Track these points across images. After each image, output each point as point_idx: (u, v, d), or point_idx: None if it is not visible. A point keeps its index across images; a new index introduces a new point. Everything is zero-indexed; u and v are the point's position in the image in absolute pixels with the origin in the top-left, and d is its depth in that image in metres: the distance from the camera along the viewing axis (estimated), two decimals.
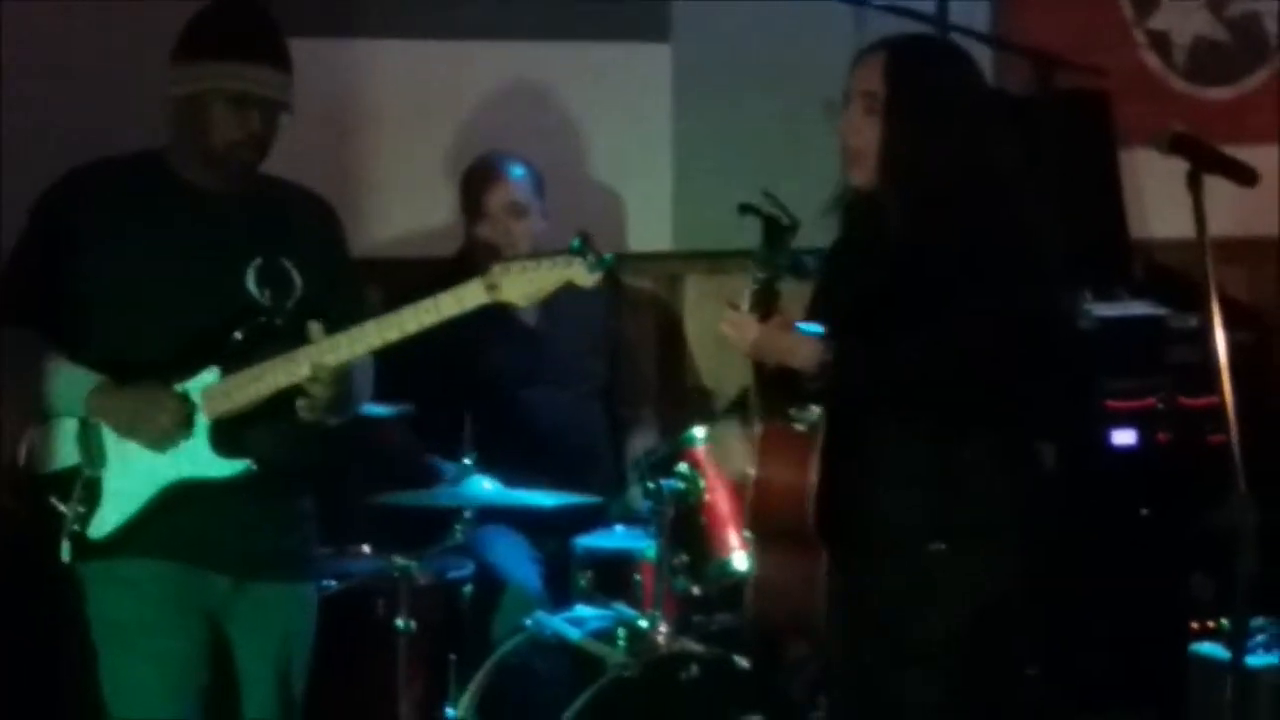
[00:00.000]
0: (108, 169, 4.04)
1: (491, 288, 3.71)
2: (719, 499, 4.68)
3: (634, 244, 6.03)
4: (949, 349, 3.63)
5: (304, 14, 5.50)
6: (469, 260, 5.49)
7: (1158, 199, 6.40)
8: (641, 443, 5.47)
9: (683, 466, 4.60)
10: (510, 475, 4.82)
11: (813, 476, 3.67)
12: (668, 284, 6.10)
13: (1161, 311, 5.88)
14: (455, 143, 5.78)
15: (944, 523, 3.71)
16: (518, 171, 5.49)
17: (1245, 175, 3.79)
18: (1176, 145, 3.77)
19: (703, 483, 4.65)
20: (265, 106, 3.93)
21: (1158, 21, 6.51)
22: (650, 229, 6.05)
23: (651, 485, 4.59)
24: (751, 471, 3.73)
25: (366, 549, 4.89)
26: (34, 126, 5.22)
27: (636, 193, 6.02)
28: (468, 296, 3.74)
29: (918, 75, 3.78)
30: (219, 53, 3.91)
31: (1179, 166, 6.04)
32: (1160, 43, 6.51)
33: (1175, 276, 6.22)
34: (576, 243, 3.69)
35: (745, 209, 3.72)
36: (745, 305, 3.69)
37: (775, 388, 3.74)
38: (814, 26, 6.03)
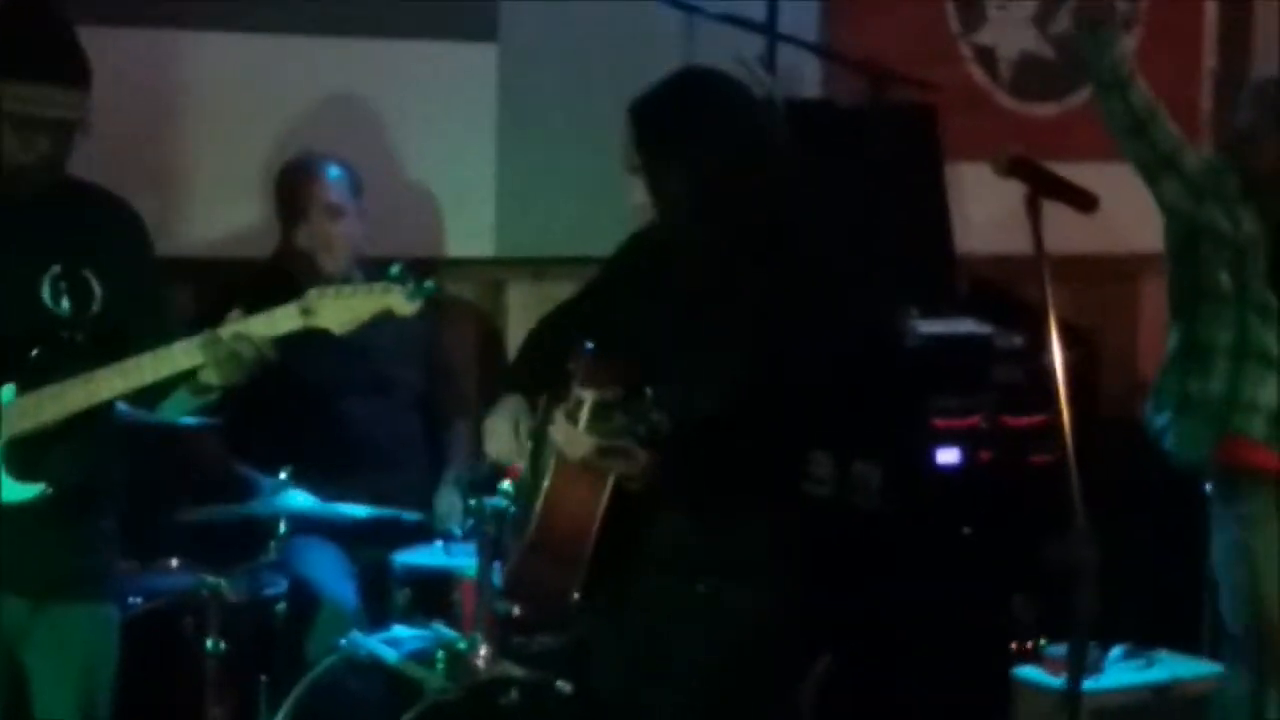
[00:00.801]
0: None
1: (306, 313, 3.60)
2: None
3: (455, 249, 5.90)
4: (781, 424, 3.56)
5: (122, 2, 5.36)
6: (284, 263, 5.35)
7: (980, 214, 6.39)
8: (458, 455, 5.35)
9: (505, 483, 4.47)
10: (326, 486, 4.70)
11: (602, 505, 3.59)
12: (490, 291, 5.98)
13: (987, 330, 5.85)
14: (274, 141, 5.60)
15: (711, 562, 3.68)
16: (334, 172, 5.35)
17: (1084, 201, 3.75)
18: (1014, 168, 3.73)
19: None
20: (55, 127, 3.73)
21: (984, 36, 6.50)
22: (472, 234, 5.92)
23: (473, 503, 4.46)
24: (545, 480, 3.62)
25: (174, 563, 4.71)
26: None
27: (459, 196, 5.89)
28: (281, 322, 3.63)
29: (666, 137, 3.69)
30: (2, 71, 3.69)
31: (1002, 183, 6.04)
32: (986, 58, 6.51)
33: (998, 293, 6.21)
34: (395, 269, 3.59)
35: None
36: (582, 424, 3.55)
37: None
38: (643, 29, 5.93)
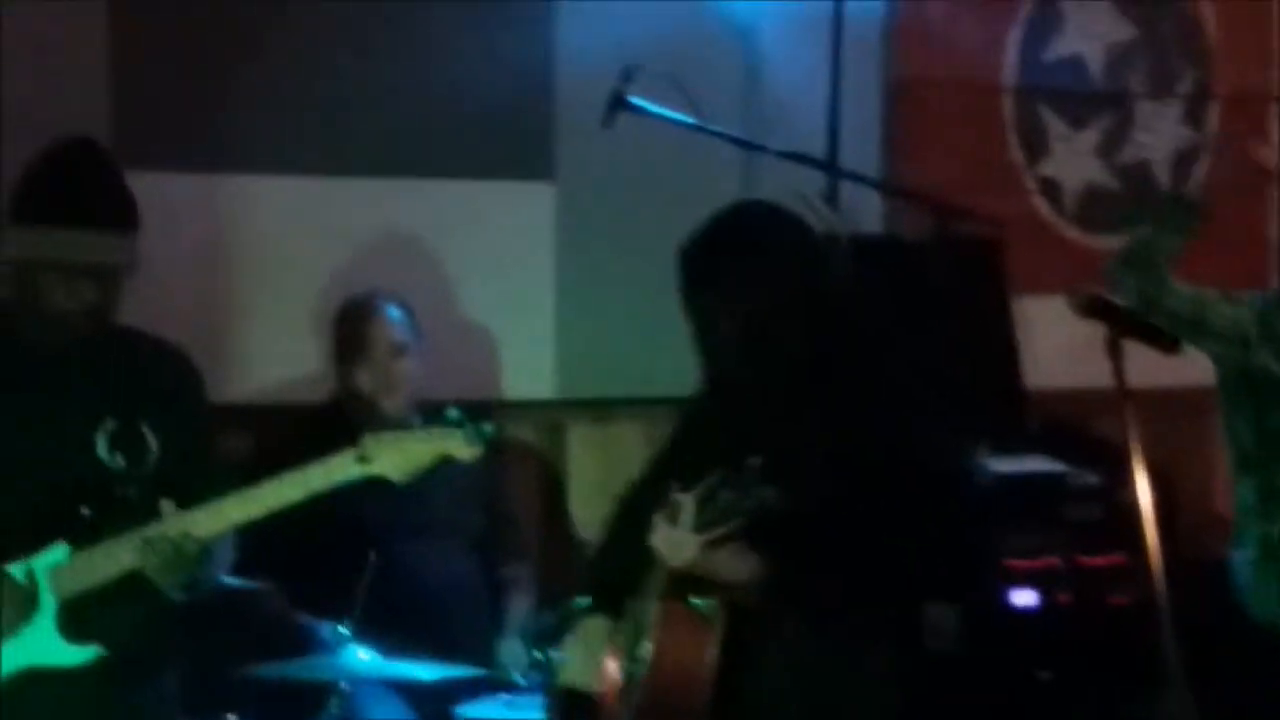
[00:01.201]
0: None
1: (363, 460, 3.51)
2: (611, 669, 4.40)
3: (513, 391, 5.79)
4: (878, 551, 3.42)
5: (172, 147, 5.30)
6: (342, 407, 5.25)
7: (1047, 349, 6.26)
8: (520, 603, 5.22)
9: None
10: (384, 634, 4.54)
11: (710, 658, 3.43)
12: (549, 434, 5.86)
13: (1061, 468, 5.71)
14: (329, 284, 5.52)
15: (831, 709, 3.51)
16: (395, 312, 5.26)
17: (1166, 344, 3.64)
18: (1093, 309, 3.62)
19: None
20: (100, 274, 3.64)
21: (1048, 168, 6.41)
22: (531, 375, 5.81)
23: (540, 656, 4.31)
24: (648, 648, 3.47)
25: (231, 718, 4.56)
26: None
27: (517, 337, 5.79)
28: (337, 470, 3.54)
29: (715, 277, 3.63)
30: (45, 216, 3.61)
31: (1069, 316, 5.89)
32: (1051, 189, 6.41)
33: (1068, 429, 6.08)
34: (454, 413, 3.50)
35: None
36: (686, 523, 3.42)
37: (685, 580, 3.49)
38: (702, 165, 5.85)
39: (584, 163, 5.79)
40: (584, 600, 4.48)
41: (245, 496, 3.52)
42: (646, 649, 3.47)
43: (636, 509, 3.75)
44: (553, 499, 5.82)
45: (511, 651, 5.04)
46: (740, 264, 3.59)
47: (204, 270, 5.42)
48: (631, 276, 5.79)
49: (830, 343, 3.55)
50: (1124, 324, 3.55)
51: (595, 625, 3.65)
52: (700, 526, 3.39)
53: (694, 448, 3.69)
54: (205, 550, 3.55)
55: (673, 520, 3.43)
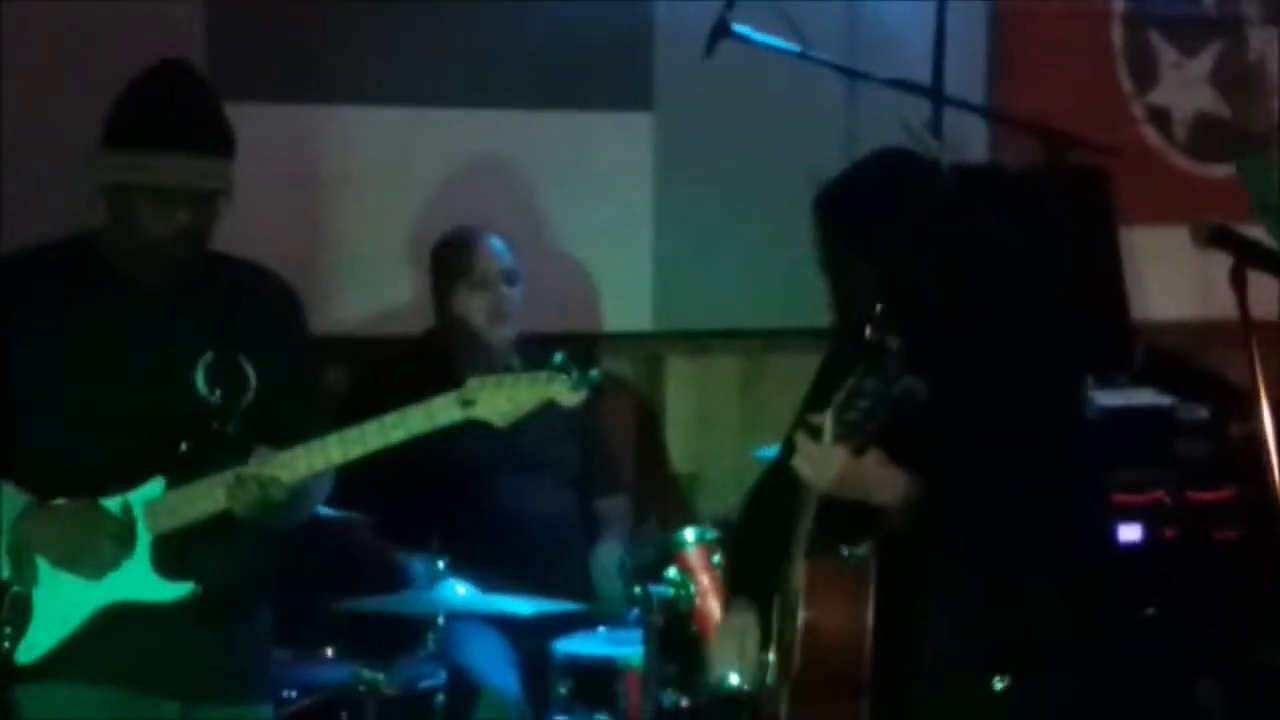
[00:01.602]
0: (37, 259, 3.70)
1: (466, 404, 3.45)
2: (711, 605, 4.35)
3: (611, 323, 5.73)
4: (1033, 474, 3.30)
5: (267, 78, 5.25)
6: (439, 340, 5.20)
7: (1155, 280, 6.14)
8: (616, 537, 5.17)
9: (672, 571, 4.28)
10: (481, 569, 4.52)
11: (869, 618, 3.30)
12: (647, 366, 5.79)
13: (1169, 401, 5.60)
14: (424, 216, 5.48)
15: (1007, 654, 3.37)
16: (498, 243, 5.22)
17: None
18: (1216, 239, 3.51)
19: (694, 588, 4.33)
20: (194, 198, 3.57)
21: (1158, 96, 6.26)
22: (629, 307, 5.74)
23: (639, 591, 4.26)
24: (800, 614, 3.35)
25: (329, 653, 4.55)
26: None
27: (615, 269, 5.72)
28: (439, 413, 3.47)
29: (857, 230, 3.46)
30: (139, 140, 3.55)
31: (1177, 247, 5.76)
32: (1160, 118, 6.26)
33: (1176, 362, 5.96)
34: (559, 358, 3.44)
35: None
36: (828, 436, 3.24)
37: (833, 520, 3.37)
38: (802, 95, 5.77)
39: (683, 93, 5.70)
40: (684, 533, 4.45)
41: (345, 437, 3.47)
42: (800, 617, 3.35)
43: (776, 484, 3.61)
44: (650, 433, 5.76)
45: (608, 585, 4.99)
46: (886, 216, 3.44)
47: (299, 201, 5.39)
48: (731, 208, 5.73)
49: (967, 291, 3.42)
50: (1250, 254, 3.42)
51: (744, 618, 3.51)
52: (843, 433, 3.20)
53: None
54: (293, 493, 3.50)
55: (815, 436, 3.25)
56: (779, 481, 3.56)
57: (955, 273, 3.37)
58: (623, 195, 5.70)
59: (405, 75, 5.45)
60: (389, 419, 3.47)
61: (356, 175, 5.45)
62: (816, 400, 3.54)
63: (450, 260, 5.23)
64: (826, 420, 3.22)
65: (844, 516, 3.31)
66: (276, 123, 5.25)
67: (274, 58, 5.26)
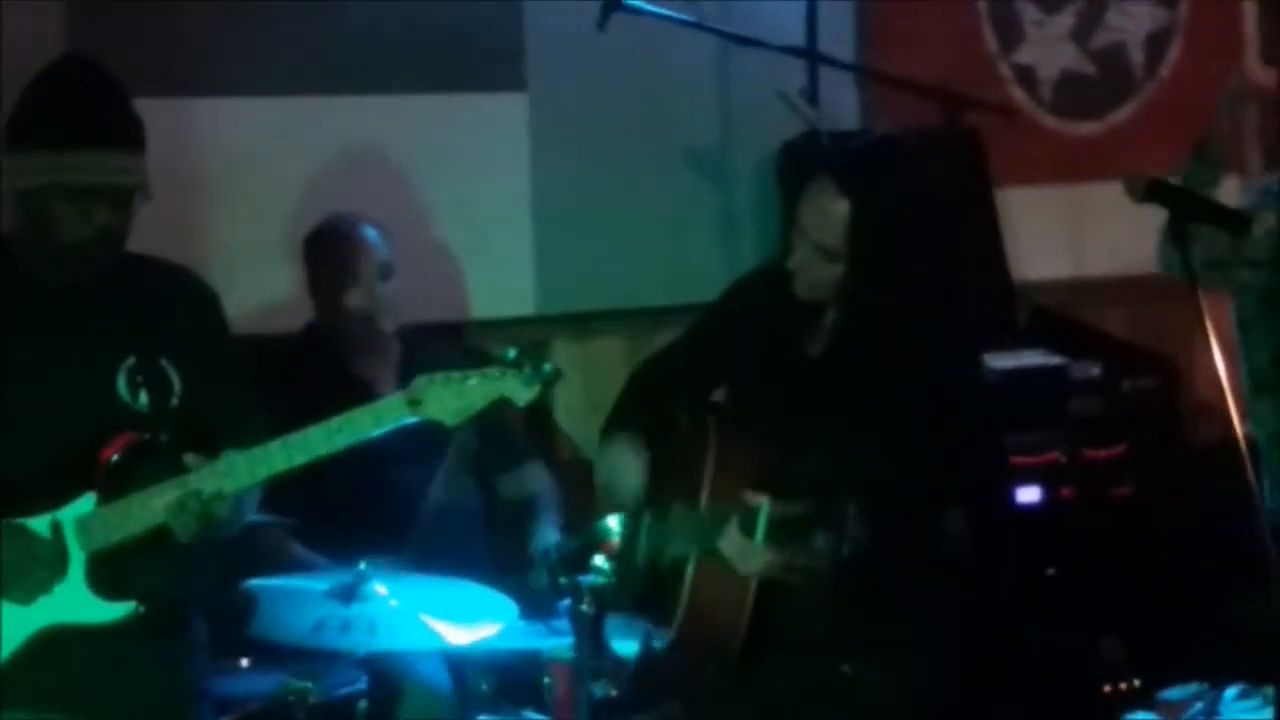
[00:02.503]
0: None
1: (414, 404, 3.34)
2: None
3: (493, 308, 5.61)
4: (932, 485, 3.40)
5: (132, 71, 5.01)
6: (323, 333, 5.05)
7: (1028, 241, 6.15)
8: (548, 511, 5.06)
9: (599, 559, 4.17)
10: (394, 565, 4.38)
11: (751, 591, 3.42)
12: (532, 352, 5.66)
13: (1059, 360, 5.60)
14: (299, 208, 5.31)
15: (854, 639, 3.47)
16: (372, 233, 5.08)
17: (1235, 221, 3.49)
18: (1152, 193, 3.47)
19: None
20: (114, 195, 3.43)
21: (1023, 55, 6.26)
22: (510, 292, 5.62)
23: (565, 580, 4.16)
24: (688, 570, 3.43)
25: (244, 663, 4.39)
26: None
27: (494, 253, 5.60)
28: (387, 414, 3.37)
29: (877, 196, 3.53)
30: (52, 139, 3.40)
31: (1051, 206, 5.75)
32: (1027, 77, 6.26)
33: (1059, 321, 5.97)
34: (512, 353, 3.34)
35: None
36: (759, 534, 3.36)
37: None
38: (675, 70, 5.71)
39: (556, 72, 5.60)
40: (607, 521, 4.35)
41: (288, 443, 3.33)
42: (689, 571, 3.39)
43: (664, 374, 3.78)
44: (539, 418, 5.64)
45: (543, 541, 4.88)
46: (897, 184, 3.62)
47: (167, 197, 5.11)
48: (609, 186, 5.65)
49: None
50: (1188, 207, 3.39)
51: (629, 438, 3.63)
52: (774, 545, 3.36)
53: (743, 338, 3.61)
54: (235, 505, 3.36)
55: (747, 531, 3.37)
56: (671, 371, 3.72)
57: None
58: (500, 178, 5.58)
59: (273, 65, 5.29)
60: (334, 423, 3.35)
61: (227, 169, 5.29)
62: (712, 346, 3.58)
63: (324, 254, 5.09)
64: (761, 518, 3.34)
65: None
66: (143, 117, 5.05)
67: (138, 51, 5.04)
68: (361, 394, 4.31)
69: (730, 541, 3.41)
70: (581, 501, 5.31)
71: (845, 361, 3.48)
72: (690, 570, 3.50)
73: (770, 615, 3.50)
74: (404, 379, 4.59)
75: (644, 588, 3.76)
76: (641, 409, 3.74)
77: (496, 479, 5.16)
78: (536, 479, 5.17)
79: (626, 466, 3.63)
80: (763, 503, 3.36)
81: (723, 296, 3.80)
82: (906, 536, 3.32)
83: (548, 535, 4.89)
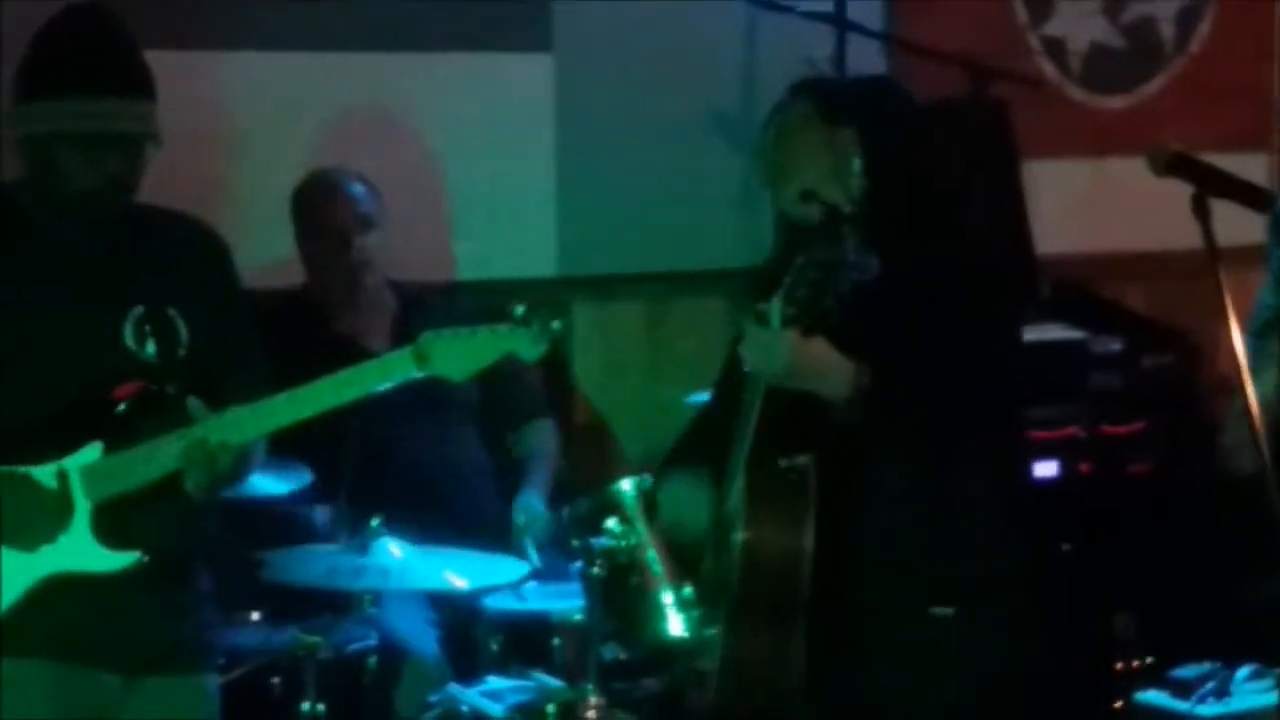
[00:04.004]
0: None
1: (421, 359, 3.30)
2: (651, 556, 4.25)
3: (515, 269, 5.58)
4: (977, 366, 3.31)
5: (150, 23, 4.98)
6: (310, 292, 5.04)
7: (1051, 214, 6.11)
8: (541, 457, 5.05)
9: (611, 522, 4.16)
10: (395, 520, 4.34)
11: (809, 538, 3.24)
12: (553, 314, 5.64)
13: (1080, 334, 5.57)
14: (319, 164, 5.27)
15: (951, 581, 3.31)
16: (357, 188, 5.06)
17: (1257, 197, 3.46)
18: (1175, 167, 3.43)
19: (635, 539, 4.22)
20: (124, 143, 3.42)
21: (1053, 28, 6.22)
22: (532, 253, 5.60)
23: (578, 543, 4.15)
24: (739, 535, 3.28)
25: (255, 617, 4.40)
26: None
27: (517, 214, 5.58)
28: (395, 368, 3.34)
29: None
30: (60, 87, 3.38)
31: (1075, 179, 5.70)
32: (1056, 50, 6.22)
33: (1083, 295, 5.95)
34: (520, 310, 3.29)
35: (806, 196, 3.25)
36: (776, 319, 3.17)
37: (774, 434, 3.28)
38: (701, 34, 5.68)
39: (582, 33, 5.57)
40: (621, 483, 4.34)
41: (295, 397, 3.32)
42: (738, 538, 3.28)
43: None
44: (557, 383, 5.63)
45: (528, 509, 4.84)
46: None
47: (184, 152, 5.06)
48: (633, 149, 5.62)
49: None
50: (1210, 181, 3.36)
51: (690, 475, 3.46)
52: (794, 313, 3.14)
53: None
54: (241, 456, 3.35)
55: (762, 321, 3.19)
56: (713, 422, 3.52)
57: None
58: (524, 139, 5.56)
59: (297, 19, 5.27)
60: (342, 376, 3.33)
61: (249, 123, 5.28)
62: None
63: (307, 209, 5.08)
64: (774, 304, 3.15)
65: (785, 430, 3.25)
66: (160, 70, 5.01)
67: (163, 3, 5.04)
68: (344, 351, 4.31)
69: (751, 342, 3.23)
70: (596, 464, 5.33)
71: (858, 325, 3.34)
72: (740, 533, 3.35)
73: (837, 569, 3.33)
74: (399, 336, 4.66)
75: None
76: (701, 442, 3.62)
77: (507, 436, 5.12)
78: (540, 436, 5.13)
79: (691, 502, 3.52)
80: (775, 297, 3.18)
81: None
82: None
83: (531, 503, 4.86)
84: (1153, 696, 5.06)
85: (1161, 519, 5.52)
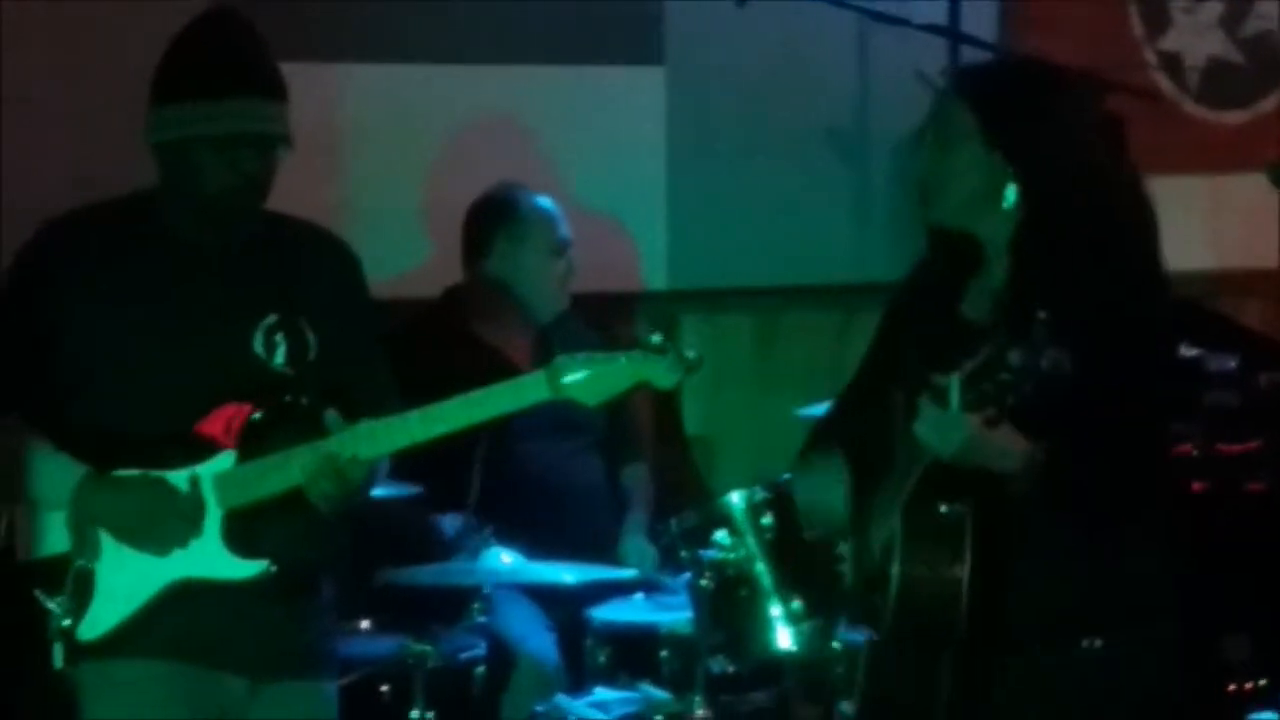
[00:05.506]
0: (89, 222, 3.53)
1: (556, 382, 3.27)
2: (759, 569, 4.25)
3: (625, 282, 5.61)
4: (1148, 429, 3.21)
5: (276, 35, 5.05)
6: (467, 300, 5.10)
7: (1165, 230, 6.05)
8: (638, 500, 5.07)
9: (721, 534, 4.17)
10: (518, 537, 4.43)
11: (964, 570, 3.19)
12: (662, 326, 5.66)
13: (1196, 352, 5.52)
14: (435, 176, 5.35)
15: (1101, 615, 3.27)
16: (553, 207, 5.12)
17: None
18: None
19: (744, 551, 4.22)
20: (259, 144, 3.45)
21: (1170, 42, 6.18)
22: (643, 266, 5.63)
23: (687, 554, 4.16)
24: (895, 568, 3.24)
25: (365, 625, 4.43)
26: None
27: (628, 227, 5.62)
28: (528, 390, 3.31)
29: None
30: (199, 90, 3.41)
31: (1189, 196, 5.65)
32: (1172, 64, 6.17)
33: (1198, 312, 5.88)
34: (657, 338, 3.26)
35: None
36: (955, 401, 3.07)
37: (934, 475, 3.24)
38: (813, 49, 5.69)
39: (695, 47, 5.61)
40: (731, 496, 4.34)
41: (427, 414, 3.30)
42: (895, 570, 3.23)
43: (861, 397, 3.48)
44: (665, 396, 5.63)
45: (637, 549, 4.88)
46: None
47: (307, 163, 5.14)
48: (744, 164, 5.64)
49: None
50: None
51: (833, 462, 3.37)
52: (976, 403, 3.02)
53: (926, 319, 3.40)
54: (370, 472, 3.37)
55: (940, 402, 3.07)
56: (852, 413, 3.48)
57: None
58: (635, 152, 5.59)
59: (415, 32, 5.34)
60: (474, 396, 3.31)
61: (366, 135, 5.34)
62: (886, 351, 3.44)
63: (500, 220, 5.09)
64: (953, 384, 3.06)
65: (946, 478, 3.19)
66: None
67: (282, 14, 5.09)
68: (489, 367, 4.34)
69: (926, 421, 3.10)
70: (701, 481, 5.34)
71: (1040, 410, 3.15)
72: (897, 567, 3.23)
73: (994, 600, 3.23)
74: (538, 354, 4.69)
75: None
76: (838, 427, 3.51)
77: (614, 467, 5.17)
78: (636, 480, 5.19)
79: (828, 486, 3.37)
80: (954, 375, 3.06)
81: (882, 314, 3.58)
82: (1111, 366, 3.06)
83: (639, 544, 4.90)
84: (1267, 718, 5.02)
85: (1277, 538, 5.46)
